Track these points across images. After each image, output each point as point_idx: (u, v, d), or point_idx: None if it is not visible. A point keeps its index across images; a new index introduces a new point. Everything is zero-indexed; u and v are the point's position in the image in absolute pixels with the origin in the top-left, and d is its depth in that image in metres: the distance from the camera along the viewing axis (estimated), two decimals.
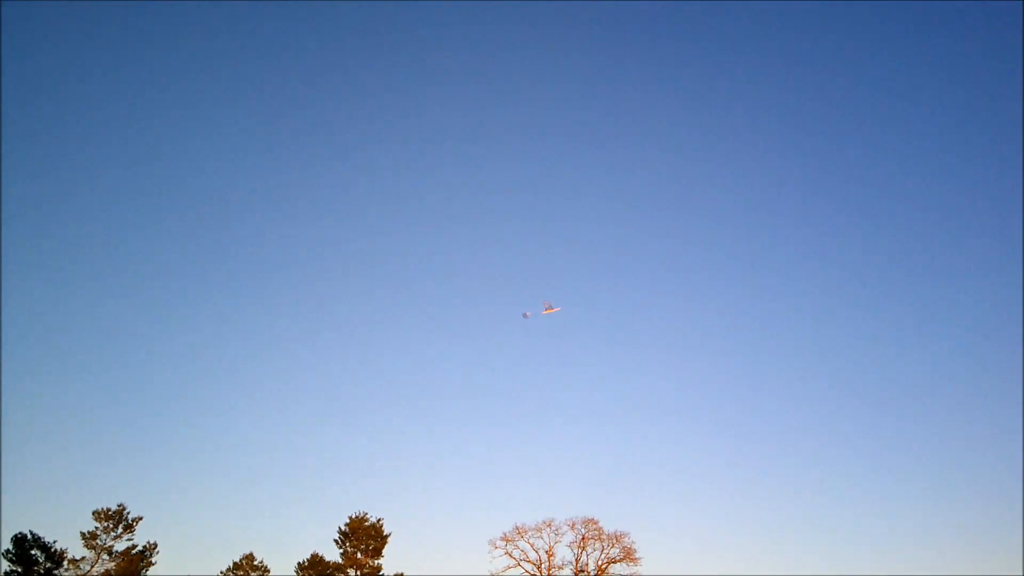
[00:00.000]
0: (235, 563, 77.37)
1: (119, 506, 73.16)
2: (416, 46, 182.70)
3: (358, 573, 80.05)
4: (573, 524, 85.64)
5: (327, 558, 79.64)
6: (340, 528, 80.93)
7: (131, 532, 73.03)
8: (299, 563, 79.03)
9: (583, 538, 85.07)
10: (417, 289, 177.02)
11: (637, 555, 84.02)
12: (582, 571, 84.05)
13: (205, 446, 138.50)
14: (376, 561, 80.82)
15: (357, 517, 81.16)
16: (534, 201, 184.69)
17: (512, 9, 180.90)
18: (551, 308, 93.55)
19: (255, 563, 77.67)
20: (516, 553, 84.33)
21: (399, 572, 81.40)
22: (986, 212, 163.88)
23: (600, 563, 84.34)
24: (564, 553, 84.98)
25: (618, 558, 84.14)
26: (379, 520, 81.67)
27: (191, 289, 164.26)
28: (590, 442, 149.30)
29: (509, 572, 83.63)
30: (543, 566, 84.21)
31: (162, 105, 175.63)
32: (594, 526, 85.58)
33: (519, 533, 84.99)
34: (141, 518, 73.74)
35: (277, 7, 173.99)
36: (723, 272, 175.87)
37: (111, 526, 72.50)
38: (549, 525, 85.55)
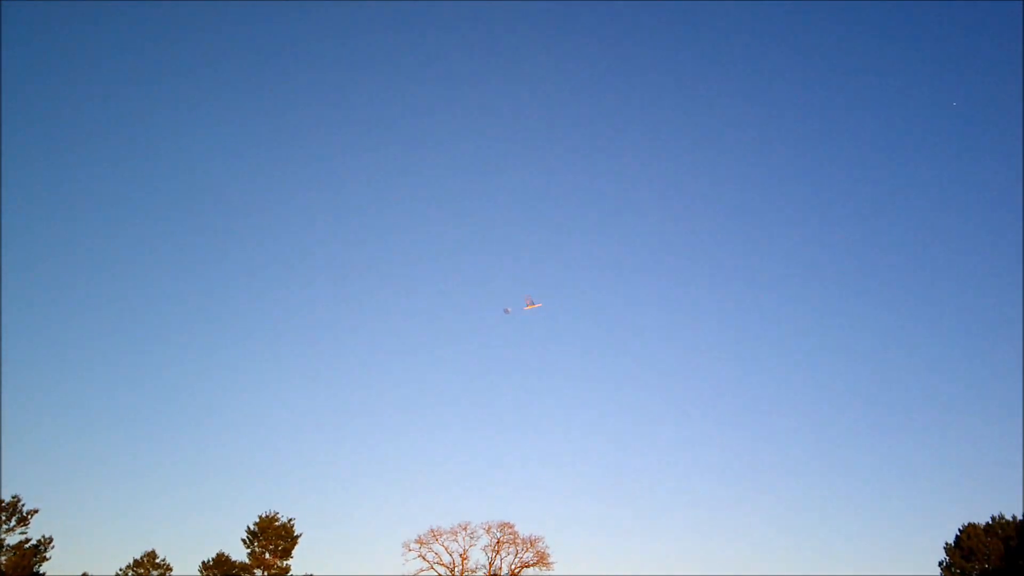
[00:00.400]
0: (136, 560, 75.30)
1: (13, 498, 70.52)
2: (398, 46, 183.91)
3: (265, 574, 78.73)
4: (489, 528, 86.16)
5: (233, 558, 78.22)
6: (249, 527, 79.59)
7: (25, 525, 70.21)
8: (204, 562, 77.34)
9: (498, 542, 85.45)
10: (384, 286, 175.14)
11: (551, 560, 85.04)
12: (495, 575, 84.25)
13: (107, 439, 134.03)
14: (285, 562, 79.56)
15: (267, 516, 79.96)
16: (517, 198, 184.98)
17: (498, 9, 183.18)
18: (533, 304, 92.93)
19: (157, 561, 75.70)
20: (430, 556, 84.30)
21: (308, 574, 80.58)
22: (986, 212, 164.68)
23: (513, 567, 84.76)
24: (479, 557, 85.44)
25: (531, 562, 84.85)
26: (290, 520, 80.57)
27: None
28: (511, 445, 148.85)
29: (422, 575, 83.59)
30: (456, 569, 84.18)
31: (163, 105, 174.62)
32: (509, 530, 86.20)
33: (434, 536, 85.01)
34: (37, 511, 70.92)
35: (277, 7, 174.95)
36: (707, 273, 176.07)
37: (4, 519, 69.69)
38: (465, 528, 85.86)
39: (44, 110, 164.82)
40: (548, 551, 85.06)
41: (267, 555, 78.87)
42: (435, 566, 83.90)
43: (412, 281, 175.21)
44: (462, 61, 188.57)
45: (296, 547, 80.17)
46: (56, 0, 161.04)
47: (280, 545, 79.42)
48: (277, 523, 79.81)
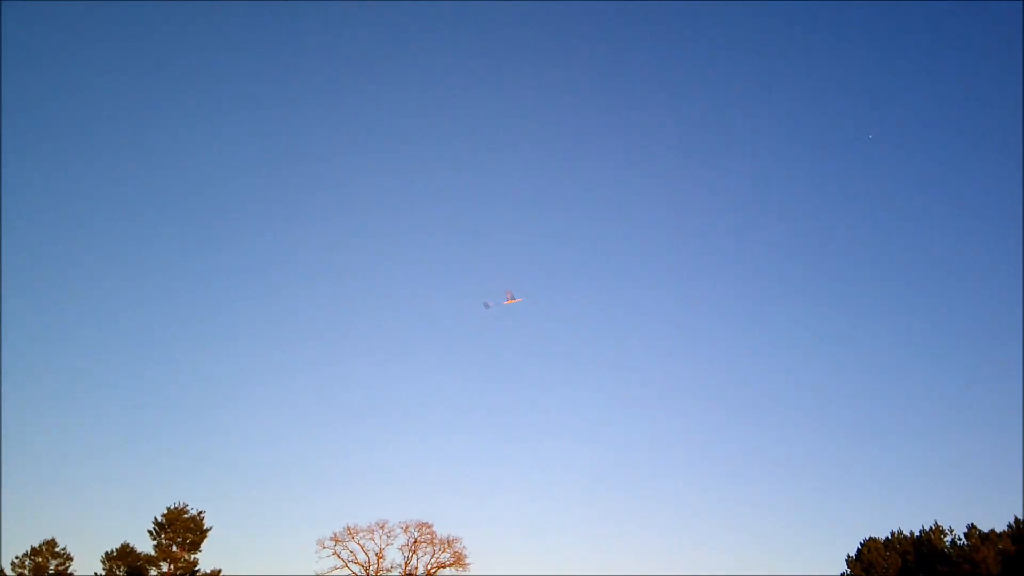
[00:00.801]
0: (34, 548, 73.18)
1: None
2: (383, 46, 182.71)
3: (172, 567, 77.03)
4: (407, 527, 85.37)
5: (139, 549, 76.44)
6: (156, 519, 77.71)
7: None
8: (107, 553, 75.42)
9: (415, 541, 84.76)
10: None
11: (468, 560, 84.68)
12: (411, 574, 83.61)
13: (5, 424, 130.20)
14: (193, 556, 77.86)
15: (176, 508, 78.16)
16: (501, 193, 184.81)
17: (496, 9, 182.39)
18: (513, 298, 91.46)
19: (57, 550, 73.70)
20: (345, 554, 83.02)
21: (216, 569, 78.96)
22: (986, 212, 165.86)
23: (429, 567, 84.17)
24: (395, 556, 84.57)
25: (448, 563, 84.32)
26: (200, 513, 78.86)
27: None
28: (435, 445, 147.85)
29: (336, 573, 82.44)
30: (371, 568, 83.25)
31: (162, 104, 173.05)
32: (427, 530, 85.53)
33: (350, 534, 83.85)
34: None
35: (277, 7, 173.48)
36: (687, 272, 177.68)
37: None
38: (382, 527, 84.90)
39: (44, 110, 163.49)
40: (465, 552, 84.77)
41: (174, 548, 77.13)
42: (349, 564, 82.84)
43: (390, 279, 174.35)
44: (451, 60, 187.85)
45: (205, 540, 78.52)
46: (56, 0, 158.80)
47: (188, 538, 77.69)
48: (186, 515, 78.07)
